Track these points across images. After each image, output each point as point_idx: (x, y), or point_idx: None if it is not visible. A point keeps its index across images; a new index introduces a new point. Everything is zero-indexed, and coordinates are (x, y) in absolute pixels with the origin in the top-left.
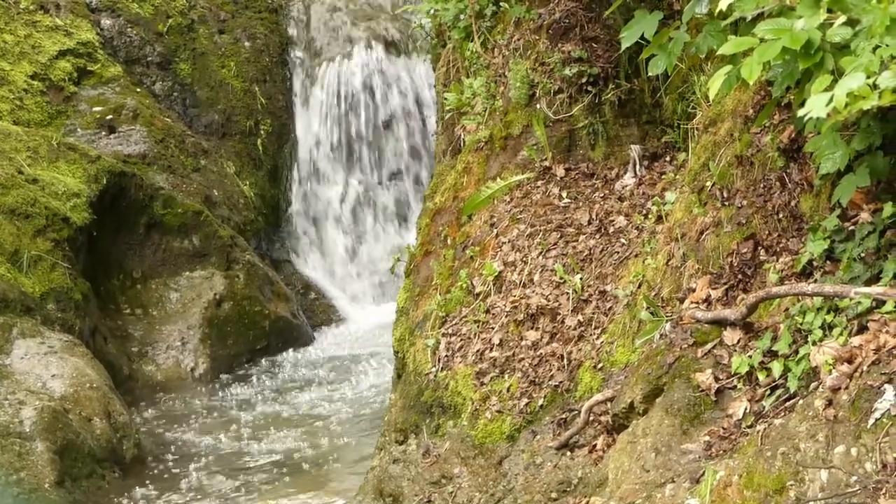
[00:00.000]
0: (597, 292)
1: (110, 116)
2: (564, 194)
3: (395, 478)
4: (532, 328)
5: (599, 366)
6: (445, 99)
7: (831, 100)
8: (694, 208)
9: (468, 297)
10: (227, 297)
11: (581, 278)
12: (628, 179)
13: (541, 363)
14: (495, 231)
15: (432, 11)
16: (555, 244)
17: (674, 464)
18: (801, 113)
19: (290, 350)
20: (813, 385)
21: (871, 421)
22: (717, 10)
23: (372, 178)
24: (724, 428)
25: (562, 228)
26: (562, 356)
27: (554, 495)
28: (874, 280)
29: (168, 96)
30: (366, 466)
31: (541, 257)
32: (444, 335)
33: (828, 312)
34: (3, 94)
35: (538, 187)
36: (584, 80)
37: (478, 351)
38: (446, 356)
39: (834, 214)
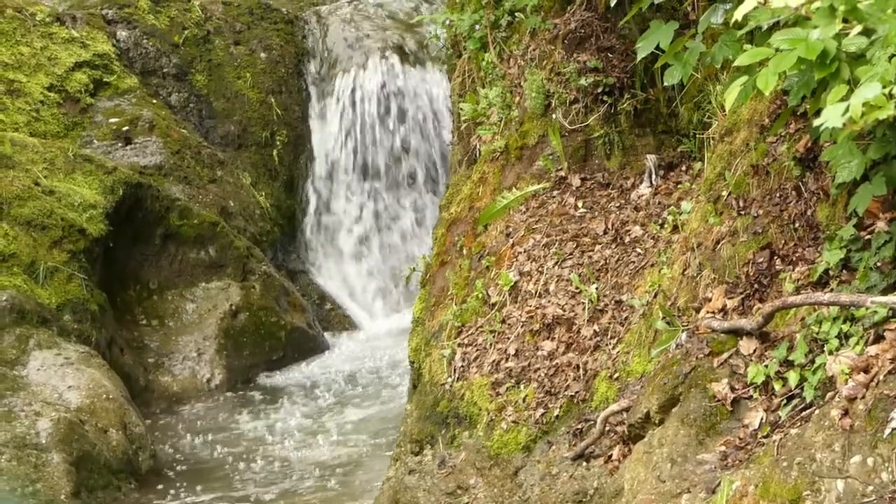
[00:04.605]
0: (613, 302)
1: (126, 128)
2: (580, 204)
3: (411, 488)
4: (548, 338)
5: (615, 376)
6: (461, 109)
7: (847, 109)
8: (710, 218)
9: (484, 307)
10: (244, 308)
11: (597, 288)
12: (644, 189)
13: (556, 373)
14: (511, 241)
15: (448, 22)
16: (570, 254)
17: (690, 474)
18: (816, 122)
19: (306, 360)
20: (829, 395)
21: (888, 431)
22: (733, 21)
23: (387, 188)
24: (739, 438)
25: (577, 238)
26: (577, 366)
27: None
28: (891, 289)
29: (184, 108)
30: (381, 477)
31: (556, 267)
32: (459, 345)
33: (844, 322)
34: (19, 105)
35: (554, 197)
36: (599, 89)
37: (493, 361)
38: (462, 366)
39: (850, 223)
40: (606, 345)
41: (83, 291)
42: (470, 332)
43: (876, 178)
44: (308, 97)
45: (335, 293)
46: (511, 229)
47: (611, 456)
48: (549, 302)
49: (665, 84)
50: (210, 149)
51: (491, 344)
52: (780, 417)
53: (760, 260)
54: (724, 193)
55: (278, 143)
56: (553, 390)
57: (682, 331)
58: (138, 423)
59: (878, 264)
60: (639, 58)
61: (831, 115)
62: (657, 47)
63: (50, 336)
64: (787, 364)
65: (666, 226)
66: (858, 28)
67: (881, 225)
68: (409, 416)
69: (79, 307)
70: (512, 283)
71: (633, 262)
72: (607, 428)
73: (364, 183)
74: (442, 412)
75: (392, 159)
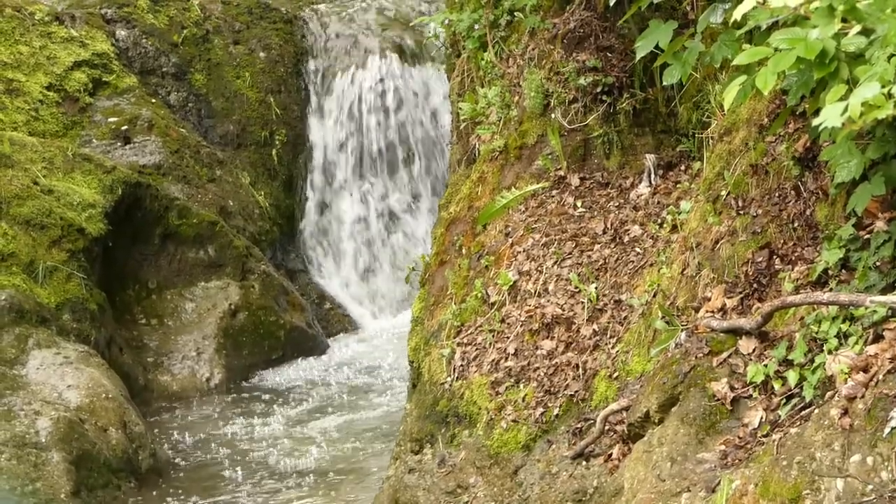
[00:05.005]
0: (612, 301)
1: (125, 127)
2: (579, 204)
3: (411, 487)
4: (547, 337)
5: (615, 375)
6: (460, 109)
7: (846, 109)
8: (709, 217)
9: (483, 306)
10: (243, 308)
11: (596, 287)
12: (643, 188)
13: (556, 372)
14: (510, 240)
15: (447, 21)
16: (570, 253)
17: (689, 473)
18: (815, 122)
19: (306, 360)
20: (828, 394)
21: (887, 430)
22: (732, 20)
23: (386, 187)
24: (739, 437)
25: (577, 238)
26: (577, 365)
27: None
28: (890, 289)
29: (183, 107)
30: (381, 476)
31: (556, 266)
32: (459, 345)
33: (843, 321)
34: (18, 105)
35: (553, 197)
36: (598, 89)
37: (493, 360)
38: (461, 366)
39: (849, 223)
40: (606, 344)
41: (82, 291)
42: (469, 332)
43: (875, 178)
44: (307, 96)
45: (334, 292)
46: (510, 229)
47: (610, 455)
48: (548, 301)
49: (664, 83)
50: (209, 148)
51: (490, 343)
52: (779, 416)
53: (759, 259)
54: (723, 193)
55: (277, 142)
56: (552, 389)
57: (682, 330)
58: (138, 423)
59: (877, 264)
60: (637, 57)
61: (830, 115)
62: (656, 47)
63: (49, 335)
64: (787, 363)
65: (665, 225)
66: (857, 28)
67: (880, 224)
68: (408, 415)
69: (78, 306)
70: (511, 283)
71: (633, 261)
72: (607, 427)
73: (363, 182)
74: (441, 411)
75: (390, 158)
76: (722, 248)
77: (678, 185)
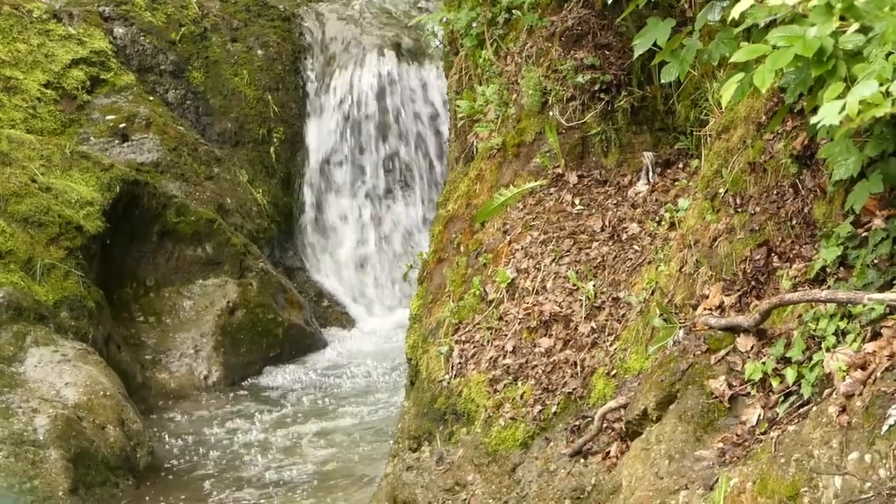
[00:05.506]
0: (610, 299)
1: (123, 125)
2: (577, 201)
3: (409, 485)
4: (545, 335)
5: (613, 373)
6: (458, 106)
7: (844, 107)
8: (707, 215)
9: (481, 304)
10: (241, 305)
11: (594, 285)
12: (641, 186)
13: (554, 370)
14: (508, 238)
15: (445, 19)
16: (568, 251)
17: (687, 470)
18: (813, 120)
19: (304, 357)
20: (826, 391)
21: (885, 427)
22: (730, 18)
23: (384, 184)
24: (737, 434)
25: (575, 235)
26: (575, 363)
27: (567, 502)
28: (887, 286)
29: (181, 105)
30: (379, 474)
31: (554, 264)
32: (457, 342)
33: (841, 319)
34: (16, 102)
35: (551, 194)
36: (596, 87)
37: (491, 358)
38: (459, 363)
39: (847, 221)
40: (604, 342)
41: (80, 288)
42: (467, 329)
43: (873, 176)
44: (305, 94)
45: (332, 290)
46: (508, 226)
47: (608, 453)
48: (546, 299)
49: (662, 81)
50: (207, 146)
51: (488, 341)
52: (777, 414)
53: (757, 257)
54: (721, 191)
55: (275, 140)
56: (550, 387)
57: (680, 328)
58: (136, 420)
59: (875, 261)
60: (635, 55)
61: (828, 113)
62: (654, 44)
63: (47, 333)
64: (785, 361)
65: (663, 223)
66: (855, 26)
67: (878, 222)
68: (406, 413)
69: (76, 304)
70: (509, 280)
71: (631, 259)
72: (605, 425)
73: (361, 180)
74: (439, 409)
75: (388, 155)
76: (720, 246)
77: (676, 183)
